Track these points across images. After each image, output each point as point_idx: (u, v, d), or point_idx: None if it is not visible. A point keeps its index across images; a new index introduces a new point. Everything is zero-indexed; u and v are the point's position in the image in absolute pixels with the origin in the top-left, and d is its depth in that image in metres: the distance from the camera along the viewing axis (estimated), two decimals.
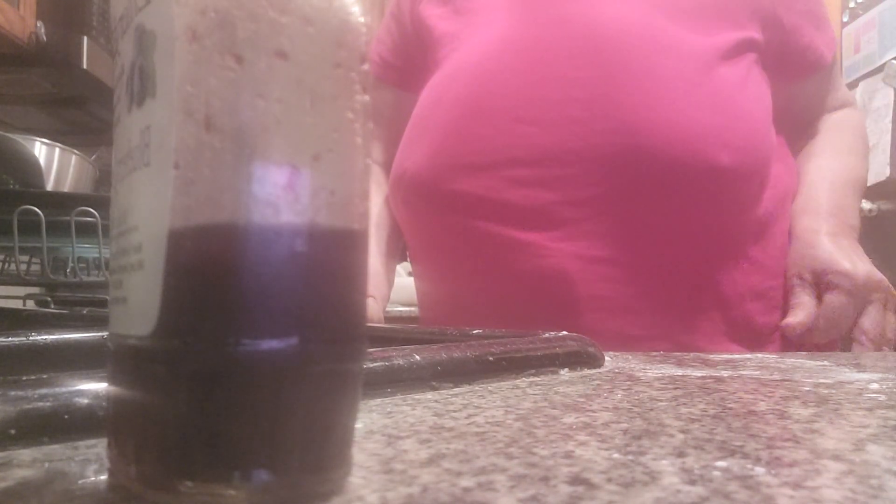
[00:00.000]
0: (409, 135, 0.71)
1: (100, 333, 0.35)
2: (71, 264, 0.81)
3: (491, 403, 0.27)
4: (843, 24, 2.00)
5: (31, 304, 0.98)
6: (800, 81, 0.74)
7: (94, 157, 1.34)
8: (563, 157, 0.60)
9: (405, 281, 1.95)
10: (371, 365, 0.29)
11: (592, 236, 0.60)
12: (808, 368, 0.40)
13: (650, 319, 0.61)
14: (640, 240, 0.61)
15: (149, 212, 0.15)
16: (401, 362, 0.30)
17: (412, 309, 1.96)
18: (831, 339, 0.64)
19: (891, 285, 0.65)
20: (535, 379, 0.34)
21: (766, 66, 0.69)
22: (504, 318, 0.63)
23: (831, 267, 0.63)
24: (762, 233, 0.66)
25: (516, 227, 0.62)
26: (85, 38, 1.36)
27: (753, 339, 0.65)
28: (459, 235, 0.65)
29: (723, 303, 0.63)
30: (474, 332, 0.44)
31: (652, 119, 0.59)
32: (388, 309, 0.86)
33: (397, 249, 0.82)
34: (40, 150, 1.15)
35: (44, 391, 0.20)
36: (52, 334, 0.34)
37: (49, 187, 1.12)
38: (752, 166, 0.62)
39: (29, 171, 0.99)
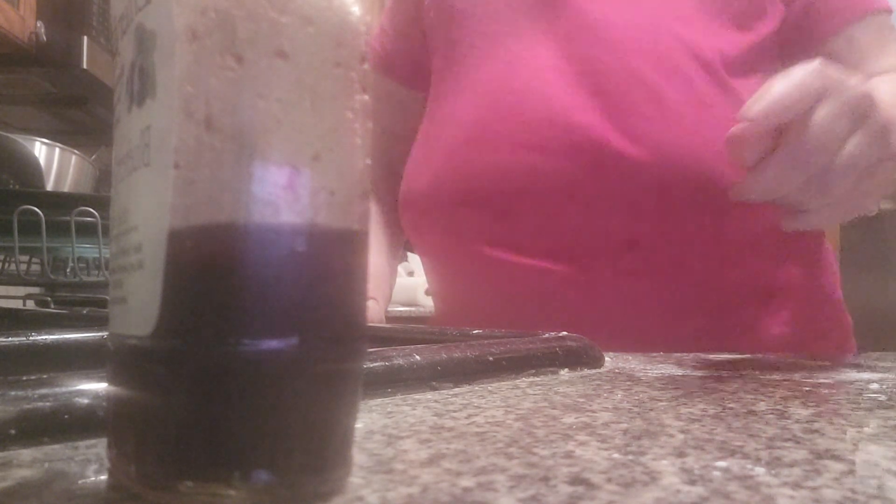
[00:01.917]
0: (416, 156, 0.70)
1: (100, 333, 0.35)
2: (71, 264, 0.81)
3: (491, 403, 0.27)
4: None
5: (31, 304, 0.98)
6: (839, 30, 0.63)
7: (94, 157, 1.34)
8: (569, 186, 0.59)
9: (405, 281, 1.95)
10: (371, 365, 0.29)
11: (601, 265, 0.60)
12: (808, 368, 0.40)
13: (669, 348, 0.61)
14: (654, 269, 0.60)
15: (149, 212, 0.15)
16: (401, 362, 0.30)
17: (412, 309, 1.96)
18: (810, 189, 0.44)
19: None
20: (535, 379, 0.34)
21: (799, 25, 0.63)
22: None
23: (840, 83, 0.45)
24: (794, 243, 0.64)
25: (525, 254, 0.61)
26: (85, 38, 1.36)
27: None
28: (467, 259, 0.65)
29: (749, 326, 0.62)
30: (474, 332, 0.44)
31: (662, 145, 0.57)
32: (388, 309, 0.86)
33: (399, 249, 0.82)
34: (40, 150, 1.15)
35: (44, 391, 0.20)
36: (52, 334, 0.34)
37: (49, 187, 1.12)
38: None
39: (29, 171, 0.99)
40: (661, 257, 0.60)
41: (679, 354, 0.46)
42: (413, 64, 0.77)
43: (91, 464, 0.18)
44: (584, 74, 0.60)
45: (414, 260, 2.01)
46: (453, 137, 0.65)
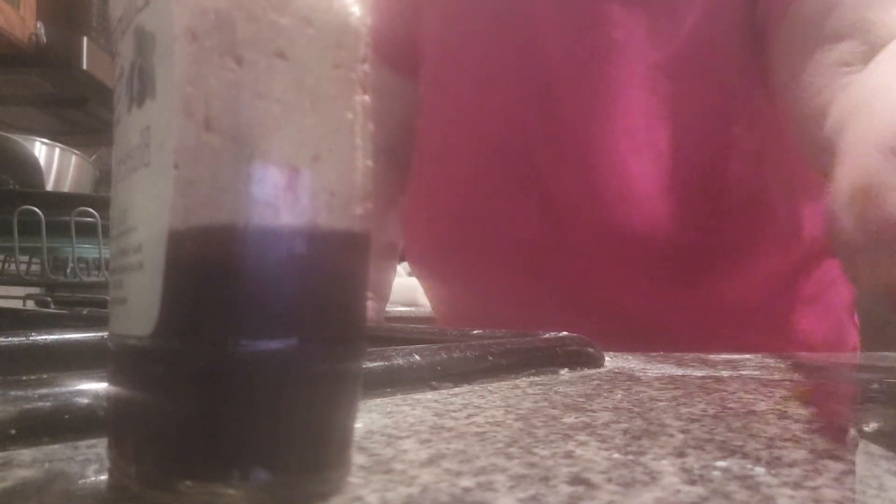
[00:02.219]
0: (412, 211, 0.71)
1: (100, 333, 0.35)
2: (71, 264, 0.81)
3: (491, 403, 0.27)
4: None
5: (31, 304, 0.98)
6: None
7: (94, 157, 1.34)
8: (555, 252, 0.60)
9: (405, 281, 1.95)
10: (371, 365, 0.29)
11: (593, 320, 0.60)
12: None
13: None
14: (631, 327, 0.60)
15: (149, 212, 0.15)
16: (401, 362, 0.30)
17: (412, 309, 1.96)
18: None
19: None
20: (535, 379, 0.34)
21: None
22: None
23: None
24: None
25: (526, 307, 0.62)
26: (85, 39, 1.36)
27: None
28: (471, 302, 0.67)
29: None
30: (474, 332, 0.44)
31: (623, 219, 0.57)
32: (388, 309, 0.86)
33: (398, 247, 0.82)
34: (40, 150, 1.15)
35: (44, 391, 0.20)
36: (52, 334, 0.34)
37: (49, 187, 1.13)
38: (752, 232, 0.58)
39: (29, 171, 0.99)
40: (634, 319, 0.60)
41: (679, 354, 0.46)
42: (405, 50, 0.74)
43: (91, 464, 0.18)
44: (562, 136, 0.60)
45: None
46: (448, 196, 0.66)
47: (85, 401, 0.20)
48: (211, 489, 0.15)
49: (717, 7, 0.57)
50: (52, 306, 0.78)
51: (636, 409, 0.26)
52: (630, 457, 0.19)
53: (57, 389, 0.20)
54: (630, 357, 0.44)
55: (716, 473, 0.18)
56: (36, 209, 0.75)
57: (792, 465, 0.19)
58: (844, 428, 0.24)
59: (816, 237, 0.61)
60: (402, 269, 2.00)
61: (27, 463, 0.18)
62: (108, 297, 0.17)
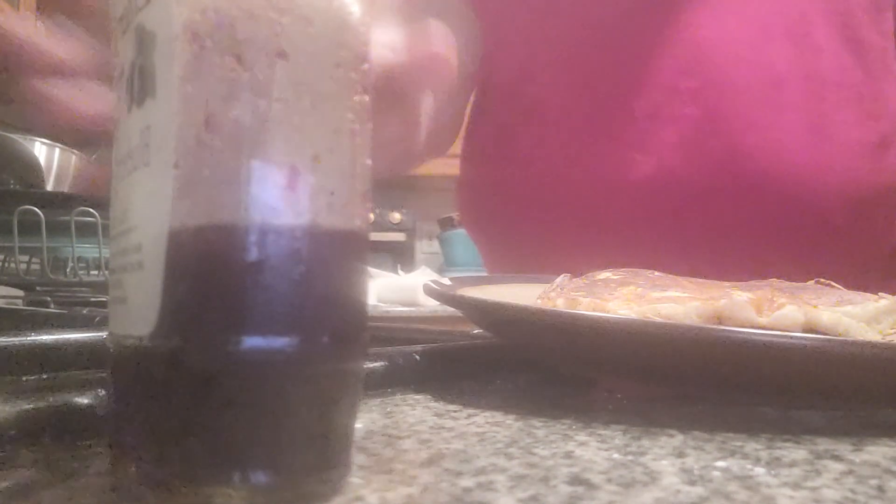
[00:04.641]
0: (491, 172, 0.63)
1: (100, 333, 0.35)
2: (71, 264, 0.81)
3: (491, 403, 0.27)
4: None
5: (30, 305, 0.98)
6: None
7: (94, 157, 1.34)
8: (667, 187, 0.54)
9: (405, 281, 1.95)
10: (371, 365, 0.29)
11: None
12: None
13: None
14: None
15: (149, 212, 0.15)
16: (401, 362, 0.30)
17: (412, 309, 1.96)
18: None
19: None
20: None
21: None
22: None
23: None
24: None
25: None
26: None
27: None
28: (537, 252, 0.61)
29: None
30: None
31: (763, 149, 0.51)
32: (388, 309, 0.83)
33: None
34: (40, 150, 1.15)
35: (44, 391, 0.20)
36: (52, 334, 0.34)
37: (49, 187, 1.12)
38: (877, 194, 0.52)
39: (29, 171, 0.99)
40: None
41: None
42: None
43: (91, 464, 0.18)
44: (687, 70, 0.54)
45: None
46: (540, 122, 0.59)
47: (85, 401, 0.20)
48: (211, 490, 0.15)
49: None
50: (52, 306, 0.78)
51: (636, 409, 0.26)
52: (630, 457, 0.19)
53: (57, 389, 0.20)
54: None
55: (716, 473, 0.18)
56: (36, 209, 0.75)
57: (792, 465, 0.19)
58: (844, 428, 0.24)
59: None
60: (403, 270, 2.00)
61: (27, 463, 0.18)
62: (108, 297, 0.17)
